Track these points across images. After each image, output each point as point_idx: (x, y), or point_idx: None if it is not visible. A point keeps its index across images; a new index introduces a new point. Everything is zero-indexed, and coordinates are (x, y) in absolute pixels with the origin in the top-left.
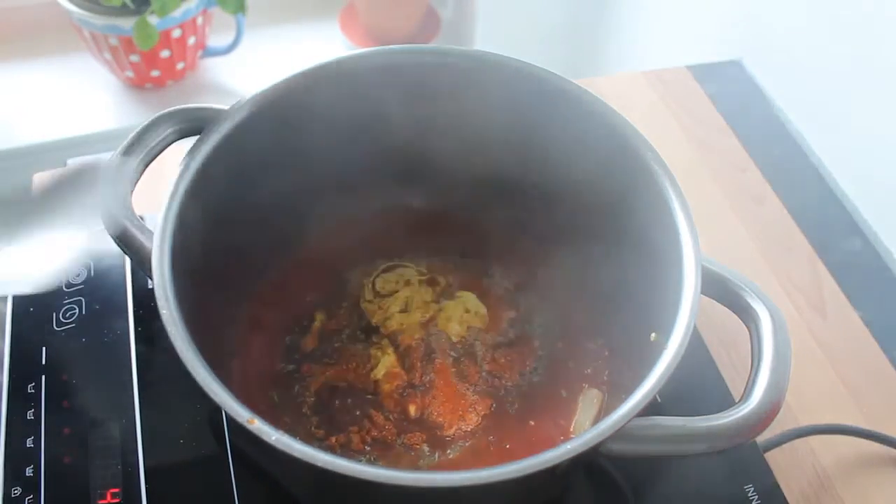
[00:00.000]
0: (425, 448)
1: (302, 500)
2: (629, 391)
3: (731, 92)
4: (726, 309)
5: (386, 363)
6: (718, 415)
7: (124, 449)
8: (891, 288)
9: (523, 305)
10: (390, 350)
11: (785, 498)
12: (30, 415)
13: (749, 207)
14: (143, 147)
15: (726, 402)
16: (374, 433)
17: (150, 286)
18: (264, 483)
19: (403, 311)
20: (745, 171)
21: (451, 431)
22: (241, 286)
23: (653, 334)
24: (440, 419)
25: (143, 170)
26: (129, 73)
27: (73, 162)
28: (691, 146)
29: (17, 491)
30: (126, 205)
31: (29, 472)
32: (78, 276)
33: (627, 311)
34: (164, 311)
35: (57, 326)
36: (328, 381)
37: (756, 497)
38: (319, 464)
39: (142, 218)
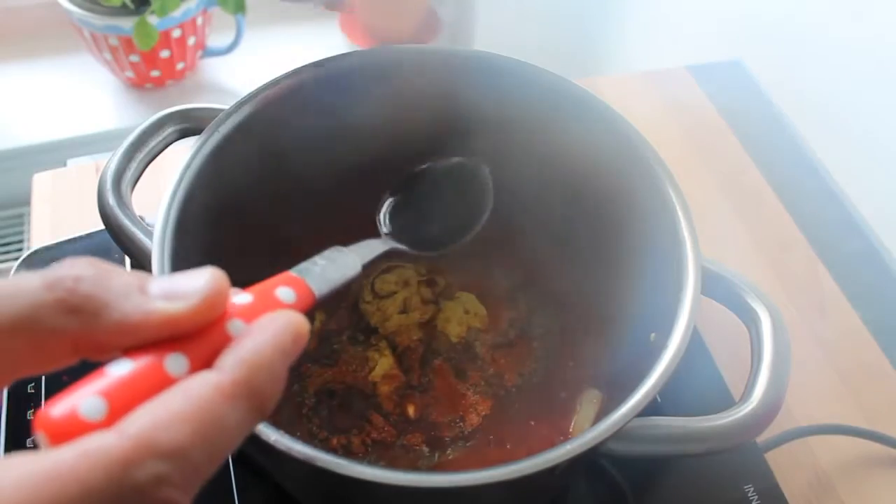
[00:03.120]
0: (425, 449)
1: (302, 501)
2: (629, 391)
3: (731, 92)
4: (726, 309)
5: (384, 365)
6: (718, 415)
7: None
8: (891, 288)
9: (523, 305)
10: (388, 352)
11: (785, 498)
12: (30, 415)
13: (749, 207)
14: (143, 147)
15: (726, 402)
16: (374, 435)
17: None
18: (264, 483)
19: (402, 311)
20: (745, 171)
21: (451, 432)
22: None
23: (653, 334)
24: (439, 420)
25: (143, 170)
26: (129, 73)
27: (73, 162)
28: (691, 146)
29: None
30: (126, 205)
31: None
32: None
33: (627, 311)
34: None
35: None
36: (327, 382)
37: (756, 497)
38: (319, 464)
39: (142, 218)
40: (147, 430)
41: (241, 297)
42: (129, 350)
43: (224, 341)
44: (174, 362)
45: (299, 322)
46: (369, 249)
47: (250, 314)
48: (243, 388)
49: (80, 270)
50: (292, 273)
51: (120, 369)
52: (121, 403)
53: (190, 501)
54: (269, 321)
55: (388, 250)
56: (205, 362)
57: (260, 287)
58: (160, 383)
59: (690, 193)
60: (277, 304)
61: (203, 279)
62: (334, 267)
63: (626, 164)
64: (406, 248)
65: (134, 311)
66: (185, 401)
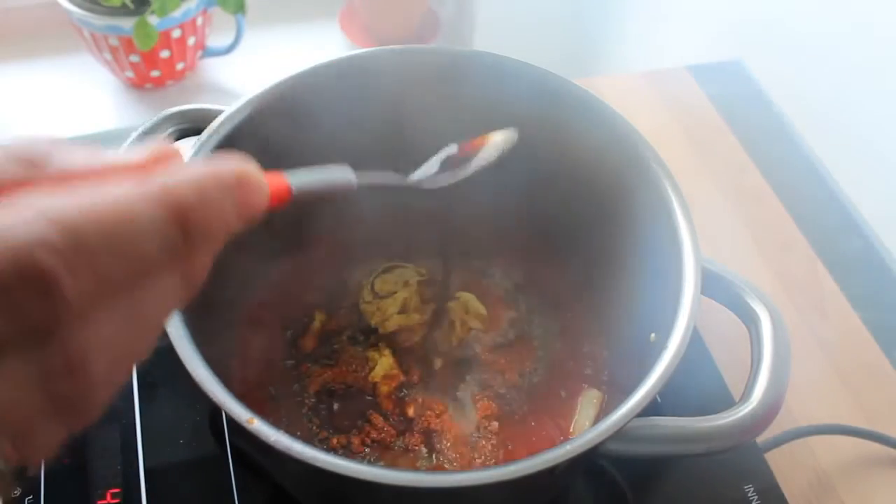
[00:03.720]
0: (424, 449)
1: (301, 501)
2: (629, 391)
3: (731, 92)
4: (726, 309)
5: (384, 365)
6: (718, 415)
7: (124, 449)
8: (891, 288)
9: (523, 305)
10: (388, 352)
11: (785, 498)
12: None
13: (749, 207)
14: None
15: (726, 402)
16: (374, 434)
17: None
18: (264, 483)
19: (402, 311)
20: (745, 171)
21: (451, 432)
22: (241, 286)
23: (652, 334)
24: (438, 420)
25: None
26: (129, 74)
27: None
28: (691, 146)
29: (17, 491)
30: None
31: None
32: None
33: (627, 311)
34: None
35: None
36: (327, 382)
37: (756, 497)
38: (319, 464)
39: None
40: (41, 200)
41: None
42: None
43: None
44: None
45: (248, 168)
46: (371, 176)
47: None
48: (164, 193)
49: (37, 140)
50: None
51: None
52: None
53: (79, 293)
54: (219, 162)
55: (393, 184)
56: None
57: None
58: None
59: (690, 193)
60: None
61: (155, 145)
62: (325, 173)
63: (625, 164)
64: (414, 182)
65: (80, 160)
66: (93, 189)
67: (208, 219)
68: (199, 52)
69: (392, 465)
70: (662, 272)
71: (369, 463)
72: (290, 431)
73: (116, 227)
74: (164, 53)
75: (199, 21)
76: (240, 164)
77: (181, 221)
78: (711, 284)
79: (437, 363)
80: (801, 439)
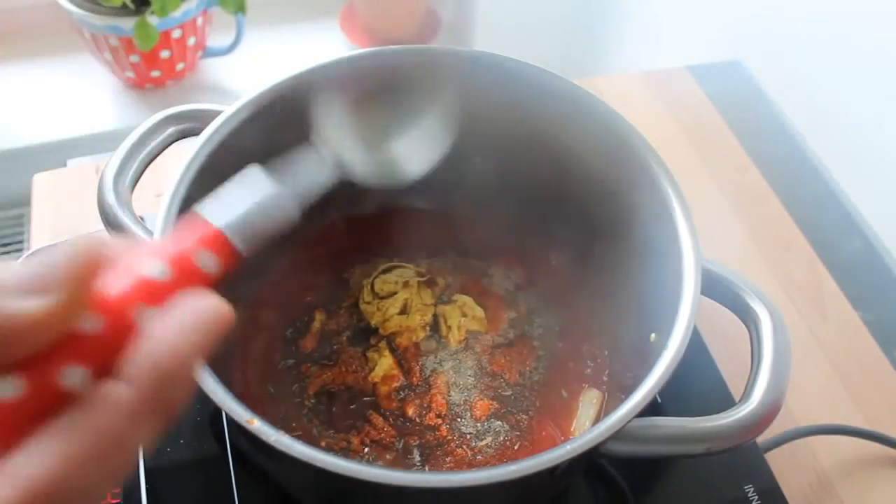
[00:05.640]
0: (424, 449)
1: (301, 501)
2: (629, 391)
3: (731, 92)
4: (726, 309)
5: (384, 365)
6: (718, 415)
7: None
8: (891, 288)
9: (523, 305)
10: (388, 353)
11: (785, 498)
12: None
13: (749, 207)
14: (143, 147)
15: (726, 402)
16: (374, 434)
17: None
18: (264, 483)
19: (402, 312)
20: (745, 171)
21: (451, 432)
22: (241, 286)
23: (653, 335)
24: (439, 420)
25: (143, 170)
26: (130, 74)
27: (73, 162)
28: (691, 146)
29: None
30: (126, 205)
31: None
32: None
33: (627, 311)
34: None
35: None
36: (326, 383)
37: (756, 497)
38: (319, 464)
39: (142, 218)
40: (41, 480)
41: (152, 269)
42: (20, 363)
43: (130, 334)
44: (72, 375)
45: (220, 312)
46: (308, 182)
47: (162, 294)
48: (152, 403)
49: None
50: (213, 223)
51: (7, 391)
52: (12, 433)
53: None
54: (186, 315)
55: (333, 181)
56: (109, 363)
57: (177, 251)
58: (58, 402)
59: (690, 193)
60: (197, 277)
61: (63, 258)
62: (263, 210)
63: (625, 164)
64: (355, 174)
65: None
66: (84, 436)
67: (188, 395)
68: (200, 52)
69: (392, 465)
70: (662, 272)
71: (369, 463)
72: (290, 431)
73: (111, 462)
74: (165, 53)
75: (199, 21)
76: (213, 310)
77: (166, 416)
78: (711, 284)
79: (437, 364)
80: (801, 439)
